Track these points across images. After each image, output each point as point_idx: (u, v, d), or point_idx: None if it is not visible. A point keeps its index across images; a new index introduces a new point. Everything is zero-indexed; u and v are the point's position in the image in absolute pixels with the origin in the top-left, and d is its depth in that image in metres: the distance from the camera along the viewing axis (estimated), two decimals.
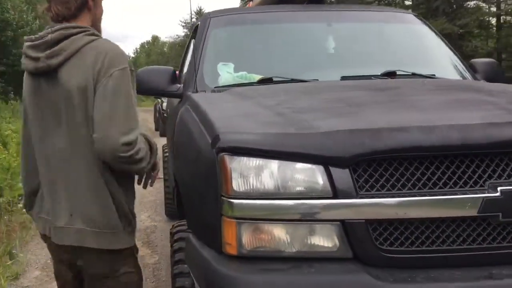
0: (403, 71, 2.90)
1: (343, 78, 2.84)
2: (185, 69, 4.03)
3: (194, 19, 52.55)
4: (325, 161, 1.58)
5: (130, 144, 1.74)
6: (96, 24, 1.97)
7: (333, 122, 1.75)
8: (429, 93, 2.25)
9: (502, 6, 21.00)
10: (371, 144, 1.57)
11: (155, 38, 71.87)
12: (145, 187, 2.05)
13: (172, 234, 2.52)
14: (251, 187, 1.61)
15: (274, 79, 2.80)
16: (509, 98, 2.05)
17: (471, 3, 21.71)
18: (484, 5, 21.87)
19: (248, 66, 3.00)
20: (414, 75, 2.89)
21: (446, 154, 1.59)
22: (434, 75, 2.94)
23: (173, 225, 2.61)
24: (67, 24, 1.84)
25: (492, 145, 1.60)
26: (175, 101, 3.29)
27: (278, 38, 3.18)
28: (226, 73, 2.92)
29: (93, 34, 1.85)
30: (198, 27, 3.38)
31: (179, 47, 55.02)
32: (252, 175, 1.61)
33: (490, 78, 3.24)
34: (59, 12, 1.86)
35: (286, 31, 3.22)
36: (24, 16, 27.94)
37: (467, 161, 1.60)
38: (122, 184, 1.88)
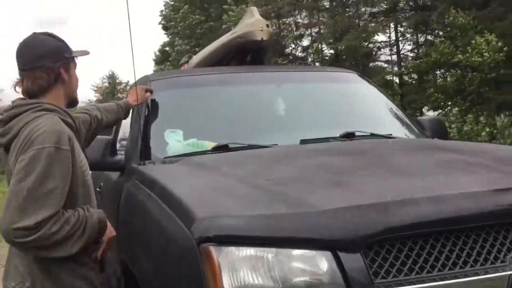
0: (362, 132, 2.78)
1: (303, 141, 2.66)
2: (120, 137, 3.68)
3: (106, 84, 51.68)
4: (332, 246, 1.34)
5: (28, 229, 1.63)
6: (71, 94, 1.99)
7: (328, 195, 1.53)
8: (407, 154, 2.12)
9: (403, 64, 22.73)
10: (385, 222, 1.35)
11: None
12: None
13: None
14: (245, 284, 1.32)
15: (230, 145, 2.55)
16: (491, 157, 1.96)
17: (373, 64, 23.31)
18: (386, 65, 23.56)
19: (197, 132, 2.75)
20: (373, 135, 2.78)
21: (462, 227, 1.41)
22: (391, 134, 2.86)
23: None
24: (22, 102, 1.86)
25: (506, 214, 1.45)
26: (112, 175, 2.92)
27: (226, 100, 2.97)
28: (175, 142, 2.64)
29: (44, 109, 1.82)
30: None
31: None
32: (245, 268, 1.32)
33: (438, 136, 3.23)
34: (29, 90, 1.87)
35: (235, 93, 3.02)
36: None
37: (483, 233, 1.44)
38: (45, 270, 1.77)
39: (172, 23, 29.60)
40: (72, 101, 2.03)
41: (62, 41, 2.00)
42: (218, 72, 3.20)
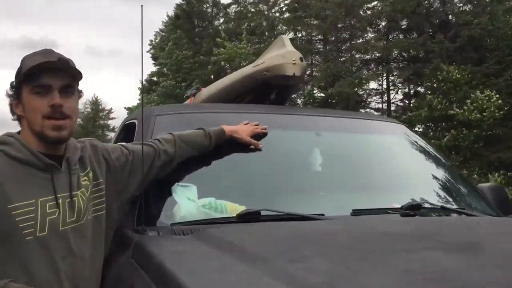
0: (430, 204, 2.14)
1: (356, 212, 2.00)
2: None
3: (88, 109, 50.69)
4: None
5: None
6: (31, 127, 1.61)
7: None
8: None
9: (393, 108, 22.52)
10: None
11: None
12: None
13: None
14: None
15: (263, 212, 1.87)
16: None
17: (364, 111, 23.09)
18: (376, 113, 23.34)
19: (214, 190, 2.06)
20: (443, 209, 2.14)
21: None
22: (463, 208, 2.22)
23: None
24: None
25: None
26: None
27: (253, 149, 2.30)
28: (187, 201, 1.94)
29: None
30: (136, 127, 2.40)
31: None
32: None
33: (501, 207, 2.61)
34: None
35: (264, 140, 2.35)
36: None
37: None
38: None
39: (160, 60, 29.24)
40: (41, 137, 1.60)
41: (23, 60, 1.64)
42: (241, 111, 2.53)
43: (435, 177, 2.55)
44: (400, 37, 21.80)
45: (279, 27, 24.58)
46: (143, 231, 1.77)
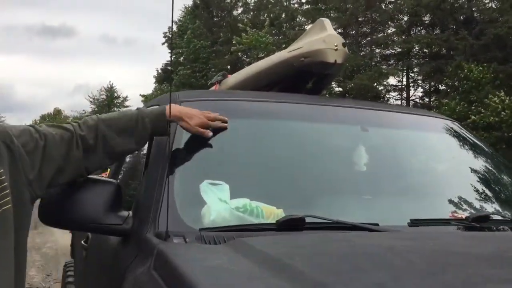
0: (499, 215, 1.83)
1: (414, 222, 1.70)
2: (120, 178, 2.69)
3: (103, 96, 50.69)
4: None
5: None
6: None
7: None
8: None
9: None
10: None
11: (57, 112, 67.97)
12: None
13: None
14: None
15: (307, 219, 1.58)
16: None
17: None
18: None
19: (248, 189, 1.78)
20: None
21: None
22: None
23: None
24: None
25: None
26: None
27: (294, 143, 2.01)
28: (218, 202, 1.65)
29: None
30: None
31: None
32: None
33: None
34: None
35: (306, 133, 2.06)
36: None
37: None
38: None
39: (178, 50, 28.92)
40: None
41: None
42: (277, 100, 2.23)
43: (497, 183, 2.24)
44: (422, 32, 21.27)
45: (297, 19, 24.16)
46: (167, 237, 1.49)
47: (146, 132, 1.73)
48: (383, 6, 20.89)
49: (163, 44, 31.30)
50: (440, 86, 21.19)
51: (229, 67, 26.86)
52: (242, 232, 1.52)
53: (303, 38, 2.68)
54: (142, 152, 2.24)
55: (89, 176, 1.79)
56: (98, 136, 1.65)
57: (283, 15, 24.79)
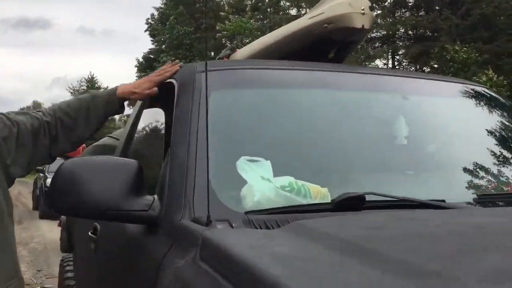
0: None
1: (480, 198, 1.50)
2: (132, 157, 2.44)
3: (84, 87, 49.77)
4: None
5: None
6: None
7: None
8: None
9: None
10: None
11: (37, 105, 66.71)
12: None
13: None
14: None
15: (368, 197, 1.37)
16: None
17: None
18: None
19: (290, 166, 1.56)
20: None
21: None
22: None
23: None
24: None
25: None
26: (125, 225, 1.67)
27: (331, 114, 1.79)
28: (261, 181, 1.43)
29: None
30: (175, 89, 1.87)
31: None
32: None
33: None
34: None
35: (342, 103, 1.85)
36: None
37: None
38: None
39: (159, 36, 28.28)
40: None
41: None
42: (313, 68, 1.99)
43: None
44: (407, 14, 21.14)
45: (281, 3, 23.85)
46: (208, 223, 1.26)
47: (99, 113, 1.77)
48: None
49: (145, 31, 30.66)
50: (426, 68, 21.13)
51: (212, 53, 26.46)
52: (294, 214, 1.31)
53: (325, 3, 2.44)
54: (158, 127, 2.01)
55: (107, 156, 1.56)
56: (57, 123, 1.68)
57: (267, 0, 24.46)
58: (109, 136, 7.12)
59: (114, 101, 1.79)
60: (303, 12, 24.16)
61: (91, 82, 48.94)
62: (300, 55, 2.51)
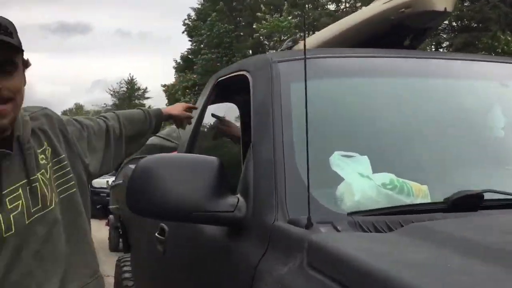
0: None
1: None
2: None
3: (124, 89, 50.77)
4: None
5: None
6: None
7: None
8: None
9: None
10: None
11: (79, 107, 68.54)
12: None
13: None
14: None
15: (486, 196, 1.21)
16: None
17: None
18: None
19: (389, 162, 1.42)
20: None
21: None
22: None
23: None
24: None
25: None
26: (206, 228, 1.56)
27: (425, 104, 1.63)
28: (360, 178, 1.29)
29: None
30: (249, 80, 1.75)
31: None
32: None
33: None
34: None
35: (435, 91, 1.68)
36: None
37: None
38: None
39: (197, 31, 28.33)
40: None
41: None
42: (400, 55, 1.84)
43: None
44: None
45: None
46: (309, 225, 1.13)
47: (151, 128, 1.84)
48: None
49: (183, 32, 30.83)
50: None
51: (250, 51, 26.36)
52: (403, 215, 1.16)
53: None
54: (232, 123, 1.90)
55: (185, 154, 1.46)
56: (121, 127, 1.71)
57: None
58: (156, 136, 7.12)
59: (160, 122, 1.90)
60: (341, 6, 23.74)
61: (131, 84, 49.83)
62: (372, 43, 2.35)
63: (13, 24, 1.29)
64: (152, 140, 6.70)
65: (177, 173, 1.37)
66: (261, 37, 23.56)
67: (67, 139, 1.49)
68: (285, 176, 1.32)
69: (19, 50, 1.30)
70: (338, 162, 1.33)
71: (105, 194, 11.37)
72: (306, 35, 2.82)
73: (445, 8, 2.07)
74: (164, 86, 33.93)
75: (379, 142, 1.49)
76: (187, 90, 27.97)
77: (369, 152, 1.37)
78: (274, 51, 25.29)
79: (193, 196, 1.35)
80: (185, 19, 30.68)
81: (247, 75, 1.82)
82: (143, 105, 48.70)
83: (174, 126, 6.97)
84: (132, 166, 4.30)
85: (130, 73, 72.95)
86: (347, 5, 23.08)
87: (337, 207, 1.23)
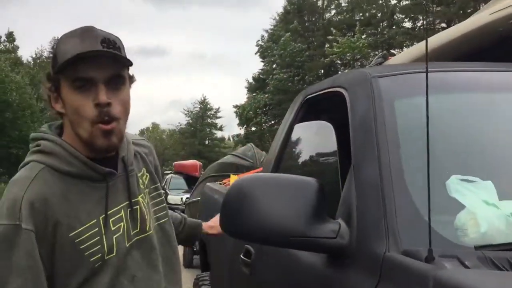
0: None
1: None
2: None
3: (197, 109, 52.18)
4: None
5: None
6: (77, 129, 1.24)
7: None
8: None
9: None
10: None
11: (155, 126, 71.29)
12: None
13: None
14: None
15: None
16: None
17: None
18: None
19: (506, 185, 1.25)
20: None
21: None
22: None
23: None
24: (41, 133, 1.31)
25: None
26: (305, 255, 1.45)
27: None
28: (485, 206, 1.13)
29: (37, 152, 1.27)
30: (346, 97, 1.64)
31: (178, 135, 53.86)
32: None
33: None
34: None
35: None
36: (27, 98, 26.79)
37: None
38: None
39: (269, 51, 28.64)
40: (88, 145, 1.26)
41: (58, 43, 1.26)
42: (502, 69, 1.66)
43: None
44: None
45: (395, 16, 22.96)
46: (430, 259, 0.99)
47: (180, 236, 1.71)
48: None
49: (255, 53, 31.34)
50: None
51: (322, 71, 26.23)
52: None
53: None
54: (324, 142, 1.79)
55: (281, 174, 1.37)
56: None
57: (379, 14, 23.69)
58: (232, 154, 7.13)
59: (198, 234, 1.85)
60: (418, 24, 23.05)
61: (203, 104, 51.09)
62: (476, 56, 2.17)
63: (121, 40, 1.27)
64: (228, 158, 6.74)
65: (274, 195, 1.28)
66: (333, 57, 23.37)
67: (158, 174, 1.50)
68: (395, 201, 1.19)
69: (126, 63, 1.26)
70: (457, 187, 1.18)
71: (179, 211, 11.64)
72: (388, 53, 2.67)
73: None
74: (236, 106, 34.51)
75: (502, 165, 1.32)
76: (258, 110, 28.24)
77: (491, 177, 1.21)
78: (346, 70, 25.02)
79: (291, 220, 1.25)
80: (258, 40, 31.18)
81: (343, 92, 1.71)
82: (215, 124, 49.93)
83: (249, 145, 6.95)
84: (210, 184, 4.31)
85: (203, 93, 75.12)
86: (424, 22, 22.35)
87: (460, 239, 1.08)
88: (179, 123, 52.61)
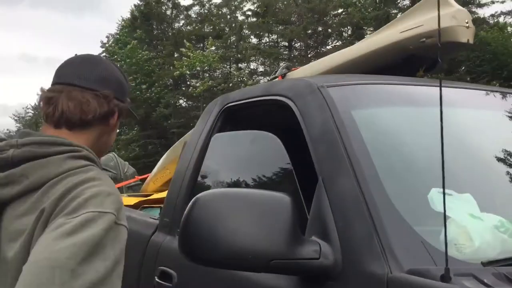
0: None
1: None
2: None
3: (30, 114, 47.80)
4: None
5: None
6: (98, 150, 1.23)
7: None
8: None
9: None
10: None
11: None
12: None
13: None
14: None
15: None
16: None
17: None
18: None
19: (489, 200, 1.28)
20: None
21: None
22: None
23: None
24: (46, 138, 1.13)
25: None
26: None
27: (489, 133, 1.53)
28: (472, 220, 1.13)
29: (83, 158, 1.13)
30: (292, 108, 1.55)
31: None
32: None
33: None
34: (68, 114, 1.15)
35: (498, 123, 1.59)
36: None
37: None
38: None
39: (116, 56, 27.51)
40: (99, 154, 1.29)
41: (127, 81, 1.33)
42: (431, 84, 1.74)
43: None
44: None
45: (243, 32, 23.80)
46: (447, 279, 0.94)
47: None
48: (329, 19, 21.01)
49: (101, 53, 29.81)
50: None
51: (171, 80, 25.97)
52: None
53: (416, 15, 2.21)
54: (263, 153, 1.67)
55: (250, 189, 1.22)
56: None
57: (227, 29, 24.34)
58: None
59: None
60: (263, 40, 24.19)
61: (38, 110, 47.10)
62: (383, 72, 2.26)
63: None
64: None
65: (244, 213, 1.13)
66: (182, 70, 23.33)
67: None
68: (381, 215, 1.12)
69: None
70: (440, 200, 1.16)
71: None
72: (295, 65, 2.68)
73: (468, 40, 2.04)
74: None
75: (469, 177, 1.35)
76: None
77: (464, 190, 1.22)
78: (195, 81, 25.27)
79: (270, 241, 1.11)
80: (105, 43, 29.69)
81: (285, 101, 1.62)
82: None
83: (111, 154, 6.45)
84: None
85: (36, 99, 69.03)
86: (267, 39, 23.51)
87: (461, 254, 1.05)
88: (7, 129, 47.48)
